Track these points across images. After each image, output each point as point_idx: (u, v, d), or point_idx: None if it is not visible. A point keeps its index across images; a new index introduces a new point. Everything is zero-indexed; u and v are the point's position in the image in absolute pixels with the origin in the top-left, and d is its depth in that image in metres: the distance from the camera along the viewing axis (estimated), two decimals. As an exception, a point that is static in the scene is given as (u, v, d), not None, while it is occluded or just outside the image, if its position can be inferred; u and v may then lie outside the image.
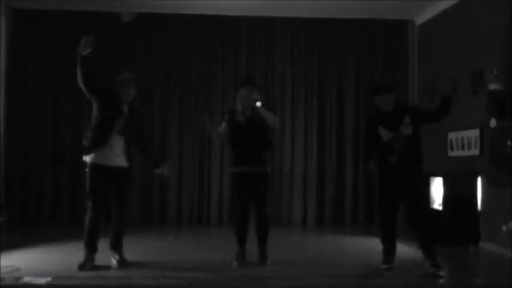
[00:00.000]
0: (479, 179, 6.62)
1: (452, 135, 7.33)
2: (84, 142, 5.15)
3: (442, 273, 4.87)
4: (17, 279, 4.53)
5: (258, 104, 5.28)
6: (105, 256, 5.20)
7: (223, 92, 8.61)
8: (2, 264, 5.02)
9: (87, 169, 5.16)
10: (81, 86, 5.11)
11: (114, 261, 5.20)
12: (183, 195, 8.48)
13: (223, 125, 5.52)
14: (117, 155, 5.11)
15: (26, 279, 4.51)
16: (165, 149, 8.47)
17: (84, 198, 7.88)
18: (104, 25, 8.39)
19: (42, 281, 4.49)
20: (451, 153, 7.38)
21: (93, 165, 5.09)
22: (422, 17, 8.54)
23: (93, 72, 5.14)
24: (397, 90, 5.37)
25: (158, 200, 8.44)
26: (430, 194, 7.02)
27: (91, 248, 5.11)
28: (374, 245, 6.66)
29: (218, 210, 8.49)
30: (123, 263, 5.18)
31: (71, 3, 8.15)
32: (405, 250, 5.73)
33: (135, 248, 5.23)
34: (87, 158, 5.13)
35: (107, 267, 5.08)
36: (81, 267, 4.99)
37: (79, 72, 5.05)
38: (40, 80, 8.31)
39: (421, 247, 5.07)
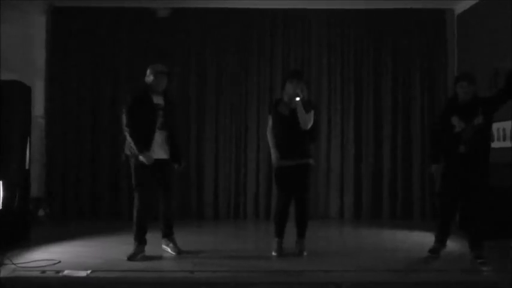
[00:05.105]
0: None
1: (493, 126, 7.13)
2: (131, 143, 5.27)
3: (487, 267, 4.81)
4: (58, 272, 4.63)
5: (297, 99, 5.27)
6: (153, 248, 5.39)
7: (259, 86, 8.58)
8: (44, 257, 5.15)
9: (131, 163, 5.34)
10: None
11: (168, 249, 5.49)
12: (219, 190, 8.50)
13: (270, 117, 5.54)
14: (159, 148, 5.35)
15: (67, 272, 4.61)
16: (202, 143, 8.51)
17: (123, 192, 8.15)
18: (140, 21, 8.46)
19: (82, 274, 4.58)
20: (492, 145, 7.18)
21: (139, 158, 5.25)
22: (461, 6, 8.34)
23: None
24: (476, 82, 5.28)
25: (196, 195, 8.47)
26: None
27: (140, 241, 5.32)
28: (412, 239, 6.60)
29: (254, 205, 8.48)
30: (178, 251, 5.46)
31: (109, 0, 8.27)
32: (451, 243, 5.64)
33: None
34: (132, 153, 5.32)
35: (157, 257, 5.28)
36: (131, 257, 5.16)
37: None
38: (79, 76, 8.44)
39: (470, 239, 5.03)
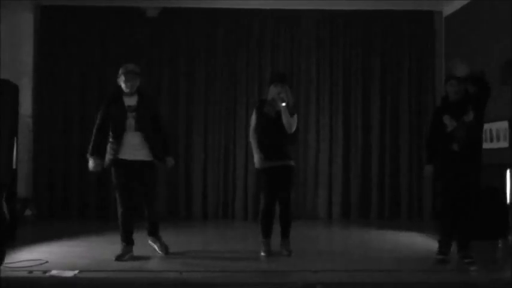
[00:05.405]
0: (508, 172, 6.49)
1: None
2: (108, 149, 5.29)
3: (474, 266, 4.84)
4: (45, 272, 4.59)
5: (283, 104, 5.28)
6: (141, 247, 5.36)
7: (247, 86, 8.58)
8: (30, 257, 5.11)
9: (111, 166, 5.29)
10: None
11: (156, 247, 5.45)
12: (208, 190, 8.50)
13: (254, 116, 5.53)
14: (138, 150, 5.23)
15: (54, 273, 4.57)
16: (190, 142, 8.50)
17: (110, 193, 8.10)
18: (129, 20, 8.44)
19: (69, 274, 4.53)
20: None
21: (116, 160, 5.23)
22: (449, 8, 8.40)
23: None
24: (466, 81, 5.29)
25: (184, 195, 8.47)
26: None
27: (127, 241, 5.28)
28: (400, 239, 6.63)
29: (243, 205, 8.48)
30: (166, 249, 5.44)
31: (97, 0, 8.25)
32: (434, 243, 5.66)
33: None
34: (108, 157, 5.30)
35: (145, 258, 5.23)
36: (118, 258, 5.12)
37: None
38: (67, 75, 8.40)
39: (458, 239, 5.04)
